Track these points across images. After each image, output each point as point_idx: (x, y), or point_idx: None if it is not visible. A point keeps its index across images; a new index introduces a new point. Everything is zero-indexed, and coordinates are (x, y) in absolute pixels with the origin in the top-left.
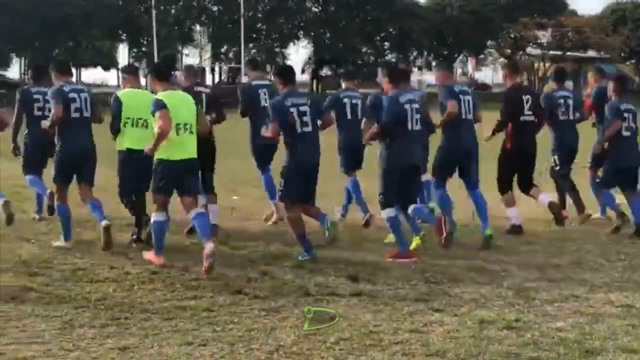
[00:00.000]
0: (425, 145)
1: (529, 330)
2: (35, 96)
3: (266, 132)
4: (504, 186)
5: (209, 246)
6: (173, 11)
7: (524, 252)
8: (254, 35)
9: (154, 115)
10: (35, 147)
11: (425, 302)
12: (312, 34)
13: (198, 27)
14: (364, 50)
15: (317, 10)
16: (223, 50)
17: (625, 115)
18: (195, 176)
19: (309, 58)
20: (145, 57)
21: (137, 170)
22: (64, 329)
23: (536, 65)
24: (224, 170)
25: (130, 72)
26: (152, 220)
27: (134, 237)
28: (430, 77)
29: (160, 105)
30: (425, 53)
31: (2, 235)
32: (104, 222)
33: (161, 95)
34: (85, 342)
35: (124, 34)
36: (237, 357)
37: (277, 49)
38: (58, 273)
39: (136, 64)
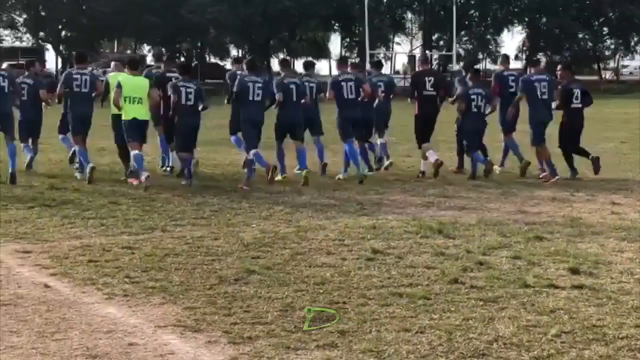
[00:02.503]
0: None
1: None
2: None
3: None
4: (420, 140)
5: (144, 173)
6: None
7: None
8: (466, 22)
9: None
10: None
11: None
12: (527, 19)
13: (409, 15)
14: (580, 35)
15: None
16: (434, 38)
17: (473, 97)
18: (141, 130)
19: (523, 44)
20: (357, 46)
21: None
22: (285, 311)
23: None
24: None
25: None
26: (132, 155)
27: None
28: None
29: (116, 85)
30: None
31: (226, 219)
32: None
33: (121, 77)
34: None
35: (337, 24)
36: (455, 345)
37: (489, 37)
38: (278, 257)
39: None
